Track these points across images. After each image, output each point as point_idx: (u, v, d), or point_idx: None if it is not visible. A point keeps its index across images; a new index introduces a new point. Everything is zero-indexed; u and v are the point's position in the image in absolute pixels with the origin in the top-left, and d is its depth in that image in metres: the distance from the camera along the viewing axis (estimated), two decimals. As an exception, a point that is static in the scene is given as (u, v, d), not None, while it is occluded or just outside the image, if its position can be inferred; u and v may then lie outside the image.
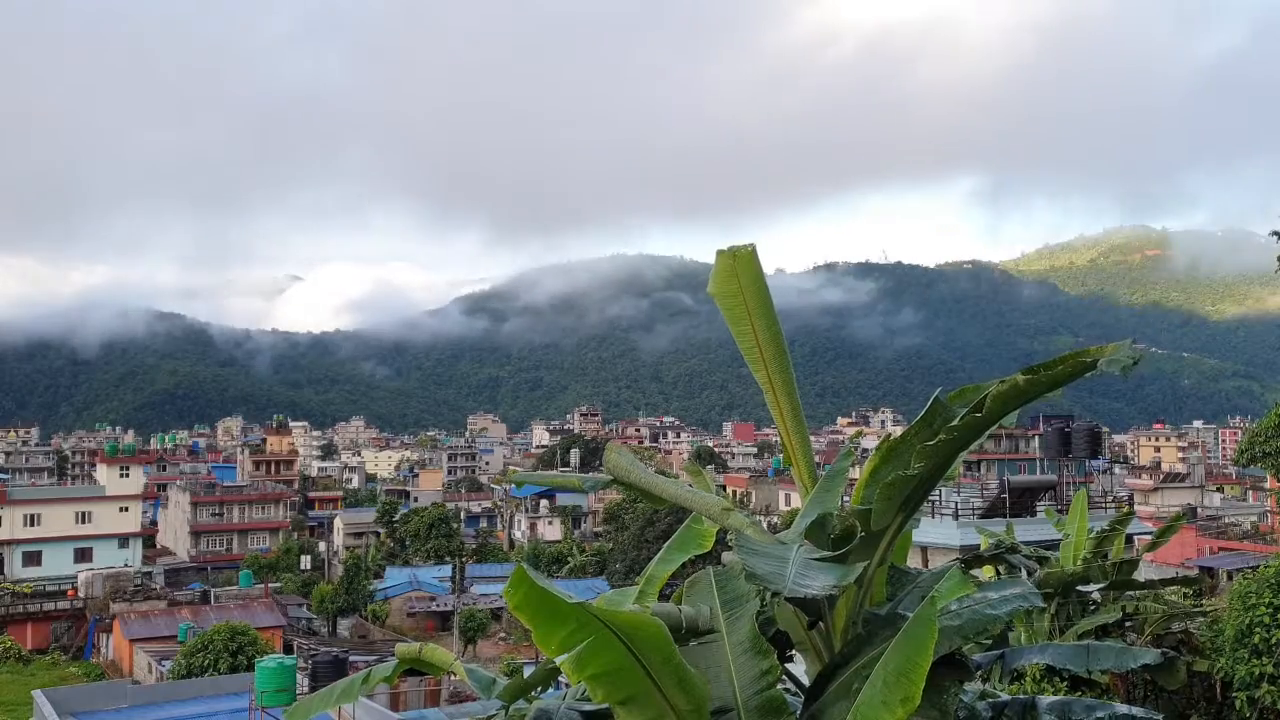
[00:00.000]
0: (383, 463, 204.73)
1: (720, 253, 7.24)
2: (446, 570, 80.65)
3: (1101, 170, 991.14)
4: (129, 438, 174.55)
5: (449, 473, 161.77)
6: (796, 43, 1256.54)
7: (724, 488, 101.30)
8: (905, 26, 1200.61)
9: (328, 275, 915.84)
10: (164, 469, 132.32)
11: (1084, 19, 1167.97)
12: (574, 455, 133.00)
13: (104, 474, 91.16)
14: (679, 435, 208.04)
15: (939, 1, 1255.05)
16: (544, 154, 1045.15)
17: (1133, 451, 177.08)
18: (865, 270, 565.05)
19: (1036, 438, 65.46)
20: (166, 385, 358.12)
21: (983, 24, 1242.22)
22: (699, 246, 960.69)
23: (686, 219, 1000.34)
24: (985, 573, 18.60)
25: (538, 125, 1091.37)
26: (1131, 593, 20.95)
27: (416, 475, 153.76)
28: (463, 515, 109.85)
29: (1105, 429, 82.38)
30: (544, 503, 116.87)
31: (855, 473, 8.85)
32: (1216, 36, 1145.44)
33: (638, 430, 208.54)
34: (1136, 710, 7.39)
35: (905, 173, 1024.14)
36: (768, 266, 7.50)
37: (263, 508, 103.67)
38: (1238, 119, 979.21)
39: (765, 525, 7.20)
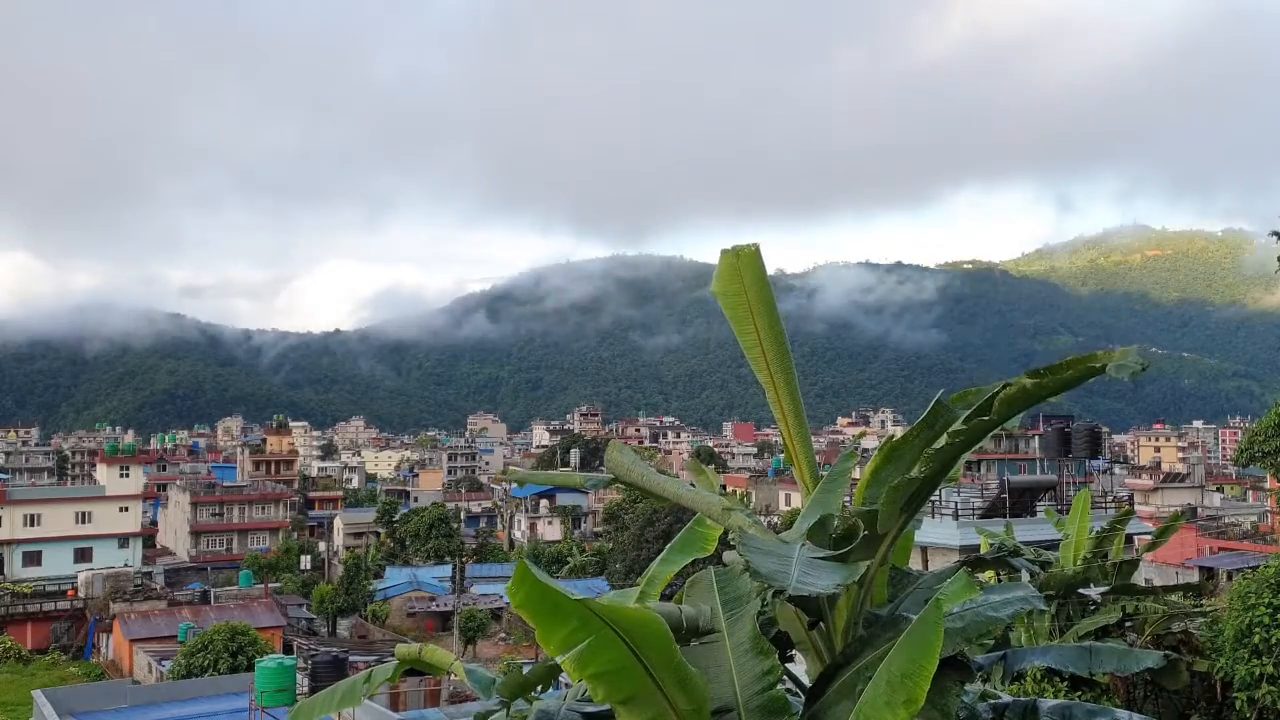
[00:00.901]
0: (383, 463, 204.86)
1: (724, 252, 7.24)
2: (446, 570, 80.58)
3: (1108, 170, 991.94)
4: (129, 438, 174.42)
5: (449, 473, 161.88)
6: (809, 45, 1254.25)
7: (724, 488, 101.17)
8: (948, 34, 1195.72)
9: (328, 275, 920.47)
10: (164, 469, 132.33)
11: (1100, 21, 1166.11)
12: (574, 455, 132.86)
13: (104, 474, 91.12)
14: (679, 435, 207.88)
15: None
16: (553, 155, 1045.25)
17: (1133, 451, 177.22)
18: (864, 270, 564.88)
19: (1036, 438, 65.36)
20: (166, 385, 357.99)
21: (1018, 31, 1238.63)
22: (698, 246, 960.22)
23: (685, 219, 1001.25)
24: (986, 576, 18.57)
25: (557, 127, 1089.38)
26: (1131, 593, 20.94)
27: (416, 475, 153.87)
28: (463, 515, 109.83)
29: (1105, 429, 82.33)
30: (544, 503, 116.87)
31: (856, 473, 8.85)
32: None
33: (638, 430, 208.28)
34: (1137, 716, 7.38)
35: (915, 177, 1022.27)
36: (769, 267, 7.50)
37: (263, 508, 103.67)
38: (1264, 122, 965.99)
39: (766, 525, 7.18)
